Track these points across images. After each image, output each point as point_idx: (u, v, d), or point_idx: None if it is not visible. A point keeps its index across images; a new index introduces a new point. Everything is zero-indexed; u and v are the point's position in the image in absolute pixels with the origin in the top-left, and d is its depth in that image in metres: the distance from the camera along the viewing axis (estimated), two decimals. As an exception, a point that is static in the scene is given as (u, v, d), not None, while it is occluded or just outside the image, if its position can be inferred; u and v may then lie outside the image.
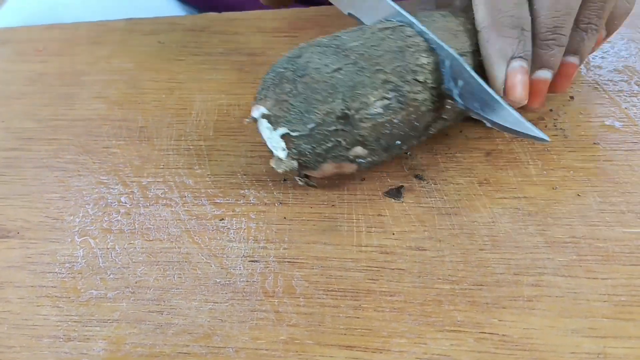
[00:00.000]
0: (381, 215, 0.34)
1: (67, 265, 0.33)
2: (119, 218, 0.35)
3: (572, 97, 0.40)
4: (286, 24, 0.50)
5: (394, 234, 0.33)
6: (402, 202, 0.35)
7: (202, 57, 0.48)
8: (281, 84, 0.32)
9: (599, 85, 0.41)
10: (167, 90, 0.44)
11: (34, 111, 0.44)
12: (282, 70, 0.33)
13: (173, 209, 0.36)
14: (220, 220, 0.35)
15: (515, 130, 0.31)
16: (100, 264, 0.33)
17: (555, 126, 0.39)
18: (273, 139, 0.33)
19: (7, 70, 0.48)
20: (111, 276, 0.32)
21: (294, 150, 0.33)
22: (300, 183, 0.35)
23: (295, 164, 0.33)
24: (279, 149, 0.33)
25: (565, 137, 0.38)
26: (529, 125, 0.31)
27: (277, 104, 0.32)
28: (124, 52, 0.49)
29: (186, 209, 0.36)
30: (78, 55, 0.49)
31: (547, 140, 0.31)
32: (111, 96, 0.44)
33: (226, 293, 0.31)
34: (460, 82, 0.33)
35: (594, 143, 0.37)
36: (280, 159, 0.33)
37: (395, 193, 0.36)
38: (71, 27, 0.52)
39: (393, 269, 0.32)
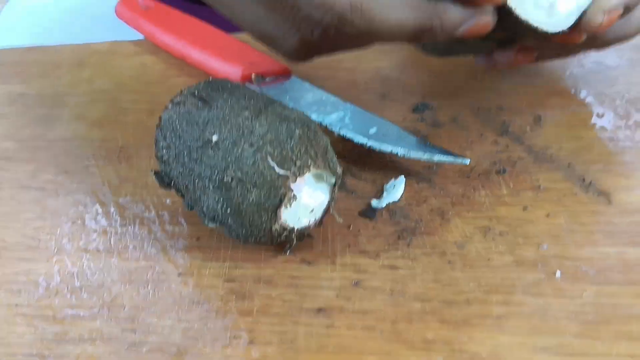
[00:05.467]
0: (355, 235, 0.35)
1: (42, 284, 0.33)
2: (95, 237, 0.36)
3: (540, 118, 0.41)
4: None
5: (367, 253, 0.34)
6: (377, 221, 0.36)
7: (184, 79, 0.48)
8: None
9: (570, 107, 0.42)
10: (148, 111, 0.45)
11: (14, 132, 0.44)
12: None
13: (150, 228, 0.36)
14: (197, 239, 0.35)
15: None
16: (76, 283, 0.33)
17: (528, 147, 0.39)
18: (317, 195, 0.33)
19: (-11, 91, 0.49)
20: (86, 295, 0.33)
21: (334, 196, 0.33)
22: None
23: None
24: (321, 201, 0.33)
25: (537, 158, 0.38)
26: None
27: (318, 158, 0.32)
28: (106, 74, 0.49)
29: (163, 228, 0.36)
30: (60, 77, 0.49)
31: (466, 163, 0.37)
32: (91, 117, 0.45)
33: (200, 312, 0.31)
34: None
35: (568, 164, 0.38)
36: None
37: (370, 213, 0.36)
38: (54, 49, 0.52)
39: (366, 288, 0.32)
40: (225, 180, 0.30)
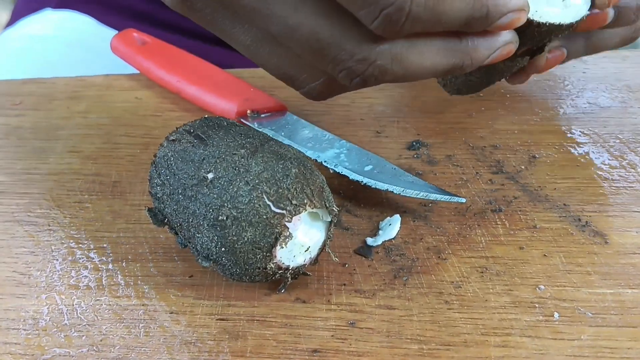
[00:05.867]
0: (351, 273, 0.35)
1: (31, 321, 0.33)
2: (86, 274, 0.35)
3: (534, 157, 0.42)
4: (267, 82, 0.51)
5: (363, 292, 0.33)
6: (372, 260, 0.35)
7: (179, 113, 0.48)
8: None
9: (564, 147, 0.43)
10: (142, 145, 0.45)
11: (8, 165, 0.44)
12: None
13: (142, 265, 0.35)
14: (190, 277, 0.35)
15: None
16: (65, 321, 0.33)
17: (523, 187, 0.39)
18: (314, 232, 0.32)
19: (-18, 123, 0.49)
20: (76, 334, 0.32)
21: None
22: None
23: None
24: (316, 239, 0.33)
25: (532, 198, 0.39)
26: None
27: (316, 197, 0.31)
28: (100, 107, 0.49)
29: (156, 264, 0.35)
30: (54, 110, 0.49)
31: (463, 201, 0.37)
32: (85, 150, 0.45)
33: (192, 352, 0.31)
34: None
35: (564, 204, 0.38)
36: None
37: (366, 251, 0.36)
38: (49, 81, 0.52)
39: (362, 328, 0.32)
40: (220, 218, 0.30)
